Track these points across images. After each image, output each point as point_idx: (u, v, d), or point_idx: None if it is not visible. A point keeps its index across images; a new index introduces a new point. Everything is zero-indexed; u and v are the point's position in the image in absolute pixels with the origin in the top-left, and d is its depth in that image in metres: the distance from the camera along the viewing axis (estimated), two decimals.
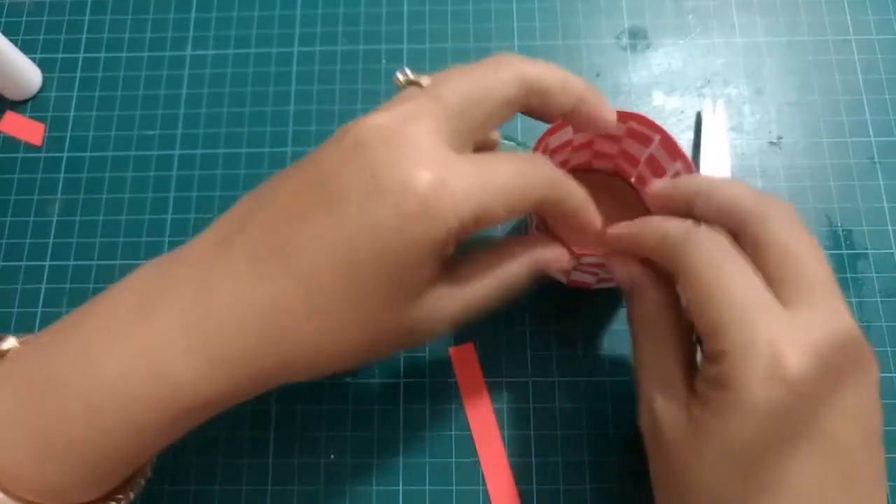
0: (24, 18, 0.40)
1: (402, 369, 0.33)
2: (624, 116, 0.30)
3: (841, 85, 0.37)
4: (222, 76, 0.39)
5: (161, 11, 0.40)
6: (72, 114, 0.38)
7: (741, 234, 0.23)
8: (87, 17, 0.40)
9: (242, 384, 0.21)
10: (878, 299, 0.33)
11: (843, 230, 0.35)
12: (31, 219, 0.36)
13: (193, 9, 0.40)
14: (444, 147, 0.21)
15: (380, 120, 0.21)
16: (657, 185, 0.26)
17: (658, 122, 0.29)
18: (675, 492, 0.23)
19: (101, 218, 0.36)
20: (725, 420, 0.21)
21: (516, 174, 0.22)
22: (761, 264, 0.22)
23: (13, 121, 0.38)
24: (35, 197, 0.37)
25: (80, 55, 0.40)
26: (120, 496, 0.23)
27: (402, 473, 0.31)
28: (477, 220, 0.21)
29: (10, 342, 0.22)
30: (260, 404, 0.33)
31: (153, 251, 0.35)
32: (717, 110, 0.36)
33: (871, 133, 0.36)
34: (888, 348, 0.33)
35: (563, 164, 0.34)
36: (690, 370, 0.24)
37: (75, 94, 0.39)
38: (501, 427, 0.32)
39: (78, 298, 0.32)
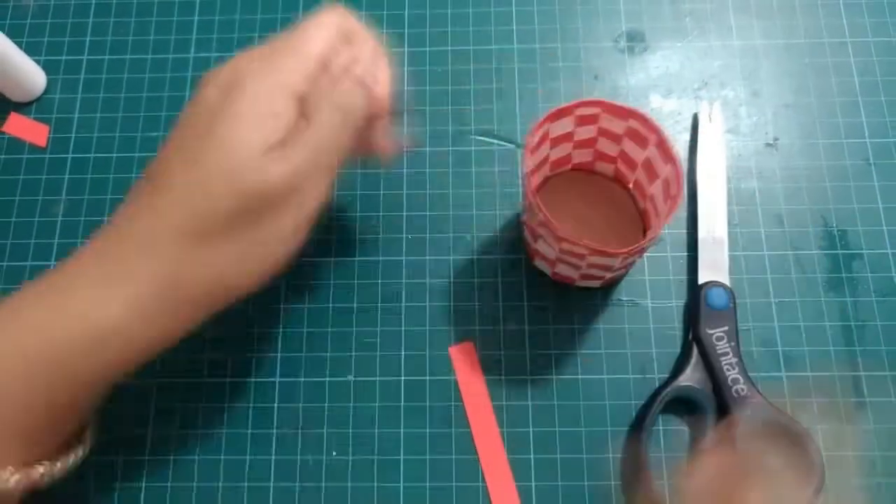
0: (28, 21, 0.41)
1: (402, 367, 0.33)
2: (624, 113, 0.30)
3: (837, 87, 0.38)
4: None
5: (164, 14, 0.41)
6: (76, 115, 0.39)
7: None
8: (90, 20, 0.41)
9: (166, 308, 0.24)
10: (874, 299, 0.34)
11: (838, 230, 0.35)
12: (36, 219, 0.37)
13: (197, 11, 0.41)
14: None
15: None
16: None
17: (655, 123, 0.29)
18: None
19: (105, 219, 0.36)
20: None
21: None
22: None
23: (18, 122, 0.39)
24: (40, 198, 0.37)
25: (84, 57, 0.40)
26: (58, 461, 0.25)
27: (402, 470, 0.32)
28: None
29: None
30: (263, 402, 0.33)
31: None
32: (714, 112, 0.36)
33: (866, 135, 0.37)
34: (883, 347, 0.33)
35: (566, 160, 0.34)
36: None
37: (79, 95, 0.39)
38: (501, 424, 0.32)
39: None
